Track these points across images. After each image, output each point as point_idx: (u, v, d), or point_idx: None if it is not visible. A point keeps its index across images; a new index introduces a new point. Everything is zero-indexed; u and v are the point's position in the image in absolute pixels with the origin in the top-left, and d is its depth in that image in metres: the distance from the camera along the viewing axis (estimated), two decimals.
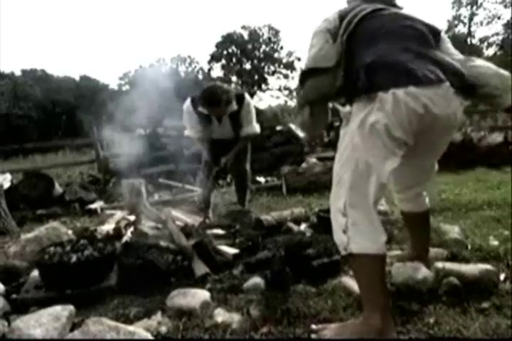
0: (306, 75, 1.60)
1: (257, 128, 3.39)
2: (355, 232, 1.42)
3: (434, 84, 1.42)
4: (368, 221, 1.43)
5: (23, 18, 59.95)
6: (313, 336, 1.49)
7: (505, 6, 23.45)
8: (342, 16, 1.61)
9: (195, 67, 35.42)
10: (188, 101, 3.24)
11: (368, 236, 1.42)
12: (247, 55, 33.40)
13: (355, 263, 1.47)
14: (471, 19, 24.82)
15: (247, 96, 3.31)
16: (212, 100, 3.01)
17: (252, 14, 63.99)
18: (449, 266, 1.86)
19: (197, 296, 1.78)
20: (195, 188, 4.97)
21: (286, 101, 33.43)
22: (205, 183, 3.39)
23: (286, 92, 34.91)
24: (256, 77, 33.81)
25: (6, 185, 5.34)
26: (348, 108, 1.54)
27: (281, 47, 34.07)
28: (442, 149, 1.73)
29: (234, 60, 33.68)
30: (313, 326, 1.53)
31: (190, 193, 5.00)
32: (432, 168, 1.83)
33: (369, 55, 1.48)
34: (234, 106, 3.16)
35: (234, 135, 3.31)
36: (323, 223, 2.80)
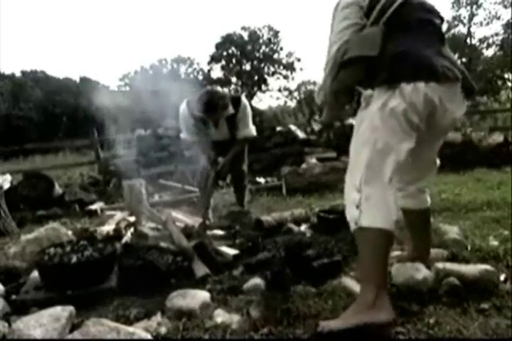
0: (345, 64, 1.58)
1: (253, 130, 3.40)
2: (367, 207, 1.46)
3: (451, 81, 1.53)
4: (382, 197, 1.48)
5: (24, 19, 60.03)
6: (318, 329, 1.44)
7: (505, 7, 23.48)
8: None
9: (195, 68, 35.44)
10: (184, 105, 3.24)
11: (379, 211, 1.47)
12: (246, 55, 33.39)
13: (362, 237, 1.50)
14: (470, 19, 24.83)
15: (243, 99, 3.32)
16: (208, 106, 3.02)
17: (251, 15, 64.07)
18: (449, 266, 1.85)
19: (197, 297, 1.78)
20: (196, 189, 4.97)
21: (286, 102, 33.49)
22: (204, 185, 3.38)
23: (286, 93, 34.94)
24: (256, 77, 33.79)
25: (6, 185, 5.33)
26: (369, 91, 1.57)
27: (281, 48, 34.07)
28: (438, 146, 1.82)
29: (234, 60, 33.67)
30: (321, 322, 1.51)
31: (191, 194, 5.00)
32: (434, 163, 1.88)
33: (397, 45, 1.54)
34: (230, 109, 3.17)
35: (231, 136, 3.31)
36: (323, 224, 2.81)
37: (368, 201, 1.47)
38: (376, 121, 1.51)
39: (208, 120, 3.17)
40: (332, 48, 1.62)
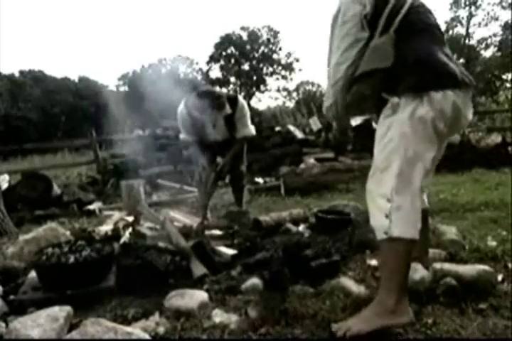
0: (358, 78, 1.56)
1: (252, 130, 3.40)
2: (398, 217, 1.47)
3: (468, 88, 1.57)
4: (411, 207, 1.49)
5: (22, 19, 59.94)
6: (334, 331, 1.49)
7: (503, 8, 23.54)
8: (378, 3, 1.54)
9: (194, 68, 35.44)
10: (182, 105, 3.25)
11: (409, 222, 1.48)
12: (245, 56, 33.41)
13: (391, 246, 1.49)
14: (469, 20, 24.89)
15: (240, 98, 3.32)
16: (205, 106, 3.03)
17: (251, 15, 64.08)
18: (447, 266, 1.86)
19: (195, 297, 1.78)
20: (194, 189, 4.97)
21: (284, 102, 33.53)
22: (202, 186, 3.38)
23: (285, 93, 34.98)
24: (254, 78, 33.81)
25: (4, 185, 5.34)
26: (396, 99, 1.53)
27: (280, 49, 34.11)
28: (444, 148, 1.81)
29: (232, 60, 33.68)
30: (332, 324, 1.54)
31: (189, 194, 5.00)
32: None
33: (415, 51, 1.53)
34: (228, 109, 3.19)
35: (229, 136, 3.32)
36: (321, 224, 2.81)
37: (398, 211, 1.47)
38: (405, 129, 1.50)
39: (205, 120, 3.17)
40: (340, 67, 1.58)
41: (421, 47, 1.54)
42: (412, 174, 1.50)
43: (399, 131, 1.51)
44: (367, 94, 1.59)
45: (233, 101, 3.23)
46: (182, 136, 3.38)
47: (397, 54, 1.52)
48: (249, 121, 3.36)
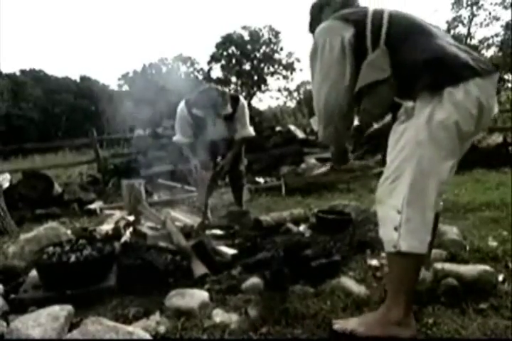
0: (360, 96, 1.52)
1: (251, 130, 3.39)
2: (407, 230, 1.40)
3: (490, 74, 1.44)
4: (422, 220, 1.42)
5: (23, 19, 59.97)
6: (335, 327, 1.52)
7: (505, 8, 23.50)
8: (356, 22, 1.52)
9: (195, 67, 35.44)
10: (183, 104, 3.25)
11: (418, 236, 1.41)
12: (246, 55, 33.39)
13: (398, 260, 1.45)
14: (471, 20, 24.86)
15: (241, 98, 3.33)
16: (208, 102, 3.04)
17: (252, 15, 64.04)
18: (448, 266, 1.86)
19: (195, 296, 1.78)
20: (195, 189, 4.97)
21: (285, 102, 33.50)
22: (201, 187, 3.34)
23: (286, 93, 34.94)
24: (255, 77, 33.78)
25: (5, 184, 5.34)
26: (410, 103, 1.45)
27: (281, 49, 34.06)
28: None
29: (234, 60, 33.66)
30: (334, 321, 1.56)
31: (190, 194, 5.00)
32: None
33: (420, 52, 1.44)
34: (229, 108, 3.19)
35: (229, 136, 3.32)
36: (322, 224, 2.81)
37: (407, 224, 1.40)
38: (421, 136, 1.40)
39: (206, 118, 3.17)
40: (334, 97, 1.55)
41: (425, 46, 1.46)
42: (426, 185, 1.41)
43: (413, 138, 1.41)
44: (385, 104, 1.52)
45: (235, 100, 3.24)
46: (176, 137, 3.36)
47: (401, 61, 1.47)
48: (248, 122, 3.36)
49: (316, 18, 1.81)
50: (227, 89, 3.31)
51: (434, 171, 1.41)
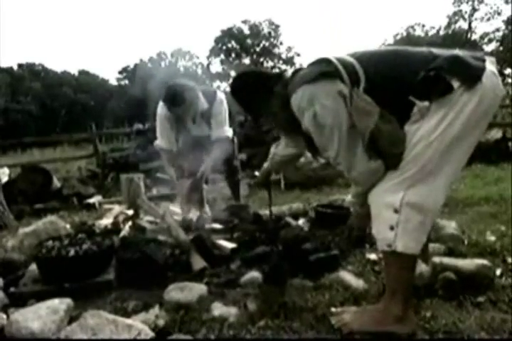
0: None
1: (227, 131, 3.10)
2: (403, 231, 1.37)
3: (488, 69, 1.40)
4: (421, 221, 1.39)
5: (22, 13, 59.56)
6: (332, 319, 1.53)
7: (506, 2, 23.39)
8: (338, 76, 1.44)
9: (195, 62, 35.32)
10: (162, 103, 2.99)
11: (414, 236, 1.39)
12: (246, 50, 33.26)
13: (394, 259, 1.44)
14: (472, 15, 24.75)
15: (219, 93, 3.06)
16: (174, 100, 2.79)
17: (252, 9, 63.71)
18: (446, 260, 1.86)
19: (194, 290, 1.79)
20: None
21: None
22: (181, 196, 3.13)
23: None
24: None
25: (4, 179, 5.33)
26: (426, 103, 1.38)
27: (281, 43, 33.94)
28: None
29: (233, 54, 33.53)
30: (333, 309, 1.57)
31: None
32: None
33: (420, 65, 1.40)
34: (203, 104, 2.94)
35: (210, 133, 3.10)
36: (321, 218, 2.81)
37: (405, 224, 1.37)
38: (432, 137, 1.36)
39: (184, 115, 2.94)
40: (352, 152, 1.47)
41: (419, 60, 1.42)
42: (430, 186, 1.38)
43: (424, 139, 1.37)
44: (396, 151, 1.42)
45: (211, 96, 3.00)
46: (157, 142, 3.14)
47: (392, 87, 1.42)
48: (226, 121, 3.08)
49: (263, 97, 1.68)
50: (224, 85, 3.18)
51: (441, 173, 1.39)
